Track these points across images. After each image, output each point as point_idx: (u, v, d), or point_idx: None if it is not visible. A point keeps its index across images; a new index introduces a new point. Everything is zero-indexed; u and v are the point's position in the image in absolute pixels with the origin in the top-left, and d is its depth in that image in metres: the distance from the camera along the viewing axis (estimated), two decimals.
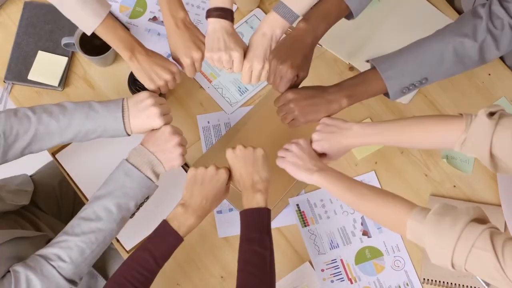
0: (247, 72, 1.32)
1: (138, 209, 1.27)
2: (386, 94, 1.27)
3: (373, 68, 1.27)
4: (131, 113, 1.27)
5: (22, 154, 1.25)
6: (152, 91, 1.32)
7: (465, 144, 1.15)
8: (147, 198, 1.27)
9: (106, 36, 1.28)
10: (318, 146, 1.27)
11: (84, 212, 1.22)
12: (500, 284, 0.98)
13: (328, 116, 1.29)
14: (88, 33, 1.28)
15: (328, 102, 1.27)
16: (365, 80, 1.26)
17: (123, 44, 1.29)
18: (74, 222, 1.21)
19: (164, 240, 1.20)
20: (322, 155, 1.29)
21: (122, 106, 1.27)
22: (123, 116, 1.26)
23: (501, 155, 1.11)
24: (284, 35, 1.30)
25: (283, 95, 1.29)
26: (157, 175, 1.26)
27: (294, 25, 1.30)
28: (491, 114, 1.12)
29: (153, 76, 1.31)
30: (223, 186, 1.27)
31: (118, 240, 1.43)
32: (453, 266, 1.03)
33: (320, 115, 1.28)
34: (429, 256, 1.06)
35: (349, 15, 1.28)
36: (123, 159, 1.26)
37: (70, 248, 1.18)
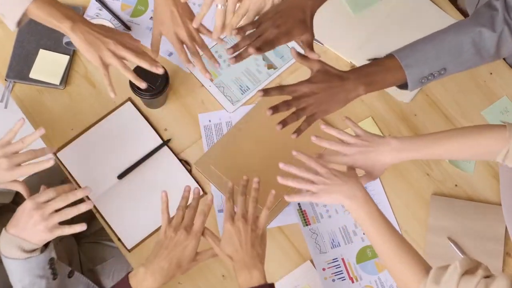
0: (246, 2, 1.22)
1: (53, 269, 1.20)
2: (402, 86, 1.23)
3: (390, 56, 1.22)
4: None
5: None
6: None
7: (508, 155, 1.13)
8: (52, 260, 1.19)
9: (42, 12, 1.17)
10: (350, 162, 1.20)
11: None
12: None
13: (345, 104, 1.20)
14: (17, 18, 1.16)
15: (346, 90, 1.18)
16: (384, 68, 1.21)
17: (61, 14, 1.18)
18: None
19: None
20: (363, 176, 1.22)
21: None
22: None
23: None
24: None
25: (299, 87, 1.18)
26: (31, 251, 1.15)
27: None
28: None
29: (98, 45, 1.22)
30: (190, 254, 1.22)
31: (119, 239, 1.43)
32: None
33: (339, 106, 1.20)
34: None
35: None
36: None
37: None
